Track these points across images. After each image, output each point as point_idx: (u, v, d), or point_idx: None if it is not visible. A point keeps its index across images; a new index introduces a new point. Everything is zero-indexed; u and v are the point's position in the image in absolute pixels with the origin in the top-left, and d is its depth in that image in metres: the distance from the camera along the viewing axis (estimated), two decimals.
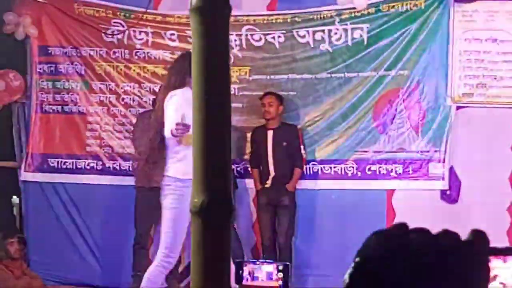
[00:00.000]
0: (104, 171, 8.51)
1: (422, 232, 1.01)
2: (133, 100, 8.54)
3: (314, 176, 8.13)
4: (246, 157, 8.22)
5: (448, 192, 7.81)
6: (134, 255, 8.00)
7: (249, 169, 8.14)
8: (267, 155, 7.92)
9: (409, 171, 7.93)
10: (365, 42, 8.06)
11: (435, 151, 7.84)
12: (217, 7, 2.90)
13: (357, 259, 1.01)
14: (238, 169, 8.22)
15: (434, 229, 1.01)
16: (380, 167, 8.00)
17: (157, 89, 8.22)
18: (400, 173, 7.95)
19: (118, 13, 8.49)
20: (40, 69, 8.61)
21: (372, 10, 8.00)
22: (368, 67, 8.05)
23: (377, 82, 8.03)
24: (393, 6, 7.96)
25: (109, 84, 8.53)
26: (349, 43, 8.10)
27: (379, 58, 8.01)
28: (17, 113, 8.66)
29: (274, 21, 8.24)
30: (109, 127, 8.53)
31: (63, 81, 8.59)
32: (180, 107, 5.68)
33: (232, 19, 2.74)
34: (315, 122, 8.19)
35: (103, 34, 8.50)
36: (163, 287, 7.82)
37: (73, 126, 8.57)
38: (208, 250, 2.85)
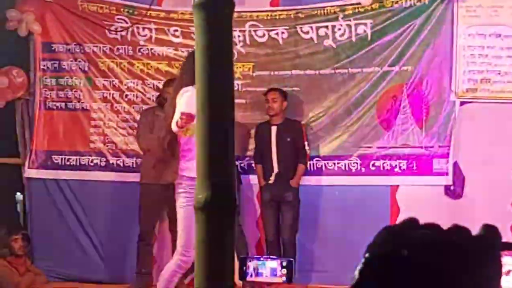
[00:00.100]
0: (108, 167, 8.52)
1: (433, 227, 1.01)
2: (137, 97, 8.55)
3: (318, 172, 8.14)
4: (250, 153, 8.23)
5: (452, 188, 7.82)
6: (138, 251, 8.00)
7: (253, 165, 8.14)
8: (271, 151, 7.93)
9: (413, 166, 7.93)
10: (369, 38, 8.06)
11: (439, 146, 7.85)
12: (219, 3, 2.90)
13: (367, 255, 1.01)
14: (242, 165, 8.23)
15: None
16: (384, 162, 8.00)
17: (160, 86, 8.25)
18: (404, 169, 7.96)
19: (121, 10, 8.50)
20: (44, 65, 8.62)
21: (376, 5, 8.00)
22: (372, 62, 8.05)
23: (381, 78, 8.03)
24: (397, 2, 7.96)
25: (113, 81, 8.54)
26: (353, 39, 8.10)
27: (383, 54, 8.02)
28: (21, 109, 8.66)
29: (277, 17, 8.25)
30: (112, 124, 8.54)
31: (67, 78, 8.60)
32: (191, 103, 5.65)
33: (235, 15, 2.75)
34: (319, 118, 8.19)
35: (106, 31, 8.51)
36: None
37: (76, 122, 8.58)
38: (212, 246, 2.86)
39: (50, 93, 8.62)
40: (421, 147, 7.92)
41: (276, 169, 7.90)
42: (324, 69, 8.18)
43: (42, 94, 8.62)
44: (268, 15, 8.26)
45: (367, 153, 8.05)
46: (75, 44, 8.55)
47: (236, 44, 8.02)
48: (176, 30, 8.42)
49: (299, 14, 8.19)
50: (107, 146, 8.53)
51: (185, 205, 5.82)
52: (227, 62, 2.94)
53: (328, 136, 8.17)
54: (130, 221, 8.10)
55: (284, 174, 7.88)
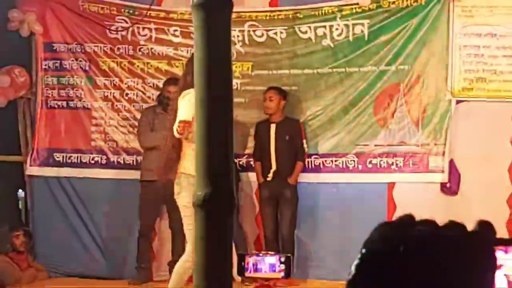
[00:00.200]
0: (109, 165, 8.56)
1: (429, 223, 1.02)
2: (137, 96, 8.60)
3: (316, 169, 8.19)
4: (249, 151, 8.29)
5: (448, 185, 7.86)
6: (138, 247, 8.07)
7: (252, 162, 8.20)
8: (270, 148, 7.98)
9: (409, 164, 7.99)
10: (366, 38, 8.10)
11: (435, 144, 7.89)
12: (218, 3, 2.96)
13: (363, 251, 1.02)
14: (241, 162, 8.29)
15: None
16: (381, 160, 8.06)
17: (160, 85, 8.30)
18: (400, 166, 8.01)
19: (122, 10, 8.55)
20: (45, 65, 8.66)
21: (373, 6, 8.04)
22: (369, 62, 8.10)
23: (377, 77, 8.08)
24: (393, 2, 8.01)
25: (113, 80, 8.59)
26: (350, 38, 8.15)
27: (379, 53, 8.06)
28: (23, 108, 8.70)
29: (276, 17, 8.31)
30: (113, 122, 8.59)
31: (68, 77, 8.64)
32: (189, 108, 5.67)
33: (234, 15, 2.81)
34: (316, 116, 8.25)
35: (107, 31, 8.57)
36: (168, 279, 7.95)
37: (78, 121, 8.63)
38: (211, 241, 2.92)
39: (52, 92, 8.67)
40: (418, 145, 7.97)
41: (274, 167, 7.96)
42: (322, 68, 8.24)
43: (44, 93, 8.66)
44: (266, 15, 8.32)
45: (364, 151, 8.11)
46: (76, 44, 8.59)
47: (235, 44, 8.07)
48: (176, 30, 8.48)
49: (298, 14, 8.25)
50: (108, 144, 8.58)
51: (189, 202, 5.84)
52: (226, 61, 3.00)
53: (326, 134, 8.21)
54: (130, 217, 8.16)
55: (283, 172, 7.94)
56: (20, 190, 8.88)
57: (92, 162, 8.59)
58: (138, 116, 8.36)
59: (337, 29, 8.17)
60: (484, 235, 1.02)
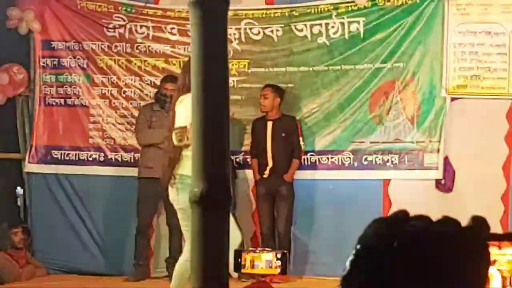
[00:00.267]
0: (106, 162, 8.59)
1: (423, 218, 1.02)
2: (134, 93, 8.63)
3: (312, 166, 8.24)
4: (245, 148, 8.33)
5: (442, 182, 7.90)
6: (136, 244, 8.10)
7: (249, 159, 8.25)
8: (266, 146, 8.03)
9: (404, 161, 8.04)
10: (362, 35, 8.15)
11: (430, 141, 7.93)
12: (215, 1, 3.01)
13: (358, 246, 1.02)
14: (238, 160, 8.34)
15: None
16: (376, 157, 8.10)
17: (158, 82, 8.33)
18: (396, 163, 8.05)
19: (119, 8, 8.59)
20: (43, 63, 8.70)
21: (368, 4, 8.08)
22: (364, 59, 8.14)
23: (373, 74, 8.12)
24: (389, 0, 8.06)
25: (111, 78, 8.63)
26: (346, 36, 8.20)
27: (375, 51, 8.10)
28: (21, 106, 8.75)
29: (272, 15, 8.35)
30: (111, 120, 8.62)
31: (66, 75, 8.67)
32: (188, 112, 5.63)
33: (231, 13, 2.87)
34: (312, 114, 8.29)
35: (105, 29, 8.62)
36: (165, 275, 8.00)
37: (76, 118, 8.66)
38: (207, 238, 2.98)
39: (50, 90, 8.70)
40: (413, 142, 8.02)
41: (270, 164, 8.00)
42: (317, 66, 8.28)
43: (42, 90, 8.70)
44: (263, 13, 8.35)
45: (359, 148, 8.15)
46: (74, 42, 8.63)
47: (232, 42, 8.12)
48: (173, 28, 8.52)
49: (294, 12, 8.29)
50: (105, 141, 8.62)
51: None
52: (222, 59, 3.05)
53: (321, 131, 8.26)
54: (128, 214, 8.19)
55: (279, 169, 7.98)
56: (18, 187, 8.89)
57: (90, 159, 8.63)
58: (136, 113, 8.40)
59: (333, 27, 8.21)
60: (478, 231, 1.02)
